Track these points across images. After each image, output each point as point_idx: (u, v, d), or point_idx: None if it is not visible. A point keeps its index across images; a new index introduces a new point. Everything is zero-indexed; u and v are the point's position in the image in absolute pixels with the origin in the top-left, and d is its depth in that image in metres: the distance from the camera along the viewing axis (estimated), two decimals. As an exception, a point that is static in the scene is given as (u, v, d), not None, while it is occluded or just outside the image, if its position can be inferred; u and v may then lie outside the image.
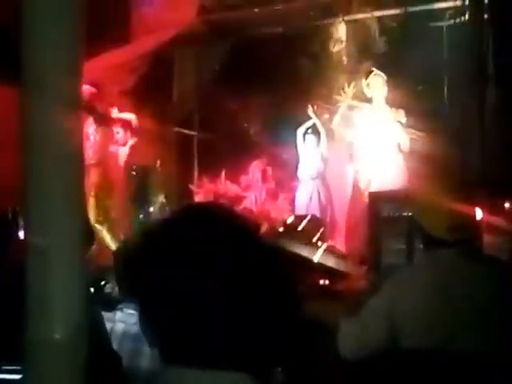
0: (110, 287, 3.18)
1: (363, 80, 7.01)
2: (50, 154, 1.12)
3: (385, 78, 6.92)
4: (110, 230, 6.94)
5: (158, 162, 8.24)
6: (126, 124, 7.57)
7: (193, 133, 9.04)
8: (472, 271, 2.18)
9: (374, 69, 6.99)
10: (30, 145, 1.12)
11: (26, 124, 1.13)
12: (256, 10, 7.78)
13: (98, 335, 1.99)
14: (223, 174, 8.45)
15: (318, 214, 6.30)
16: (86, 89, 6.96)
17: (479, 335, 2.07)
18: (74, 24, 1.17)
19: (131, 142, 7.54)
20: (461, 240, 2.18)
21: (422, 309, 2.12)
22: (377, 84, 6.93)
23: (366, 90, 6.99)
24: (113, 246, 6.50)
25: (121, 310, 2.49)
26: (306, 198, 7.30)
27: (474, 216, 2.23)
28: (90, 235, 2.63)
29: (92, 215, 6.14)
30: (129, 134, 7.57)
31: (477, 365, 1.83)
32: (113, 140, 7.58)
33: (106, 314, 2.40)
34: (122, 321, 2.45)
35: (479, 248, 2.33)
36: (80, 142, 1.19)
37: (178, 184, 8.62)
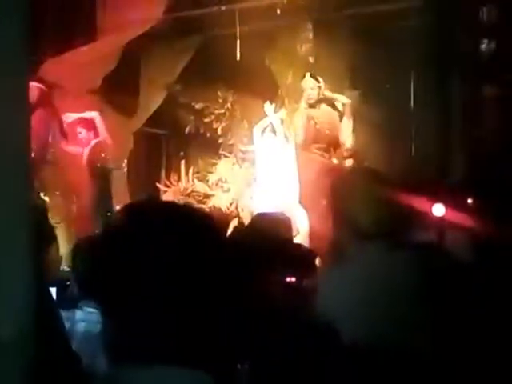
0: (71, 285, 3.16)
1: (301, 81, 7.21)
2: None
3: (318, 83, 7.09)
4: (67, 230, 6.90)
5: (125, 161, 8.21)
6: (88, 123, 7.49)
7: (160, 131, 9.01)
8: (399, 264, 2.21)
9: (308, 73, 7.17)
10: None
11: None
12: (223, 7, 7.77)
13: (55, 336, 1.97)
14: (191, 172, 8.45)
15: (281, 213, 6.33)
16: (40, 87, 6.90)
17: (406, 327, 2.10)
18: (20, 21, 1.15)
19: (94, 141, 7.47)
20: (390, 233, 2.22)
21: (348, 302, 2.15)
22: (310, 87, 7.12)
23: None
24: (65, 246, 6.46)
25: (81, 308, 2.47)
26: (268, 196, 7.32)
27: (405, 210, 2.27)
28: (49, 235, 2.61)
29: (51, 215, 6.07)
30: (92, 133, 7.50)
31: (407, 356, 1.87)
32: (74, 139, 7.50)
33: (65, 314, 2.38)
34: (83, 320, 2.44)
35: (411, 241, 2.37)
36: (27, 141, 1.17)
37: (145, 183, 8.60)
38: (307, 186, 7.08)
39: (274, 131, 7.53)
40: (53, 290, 2.88)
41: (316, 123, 7.12)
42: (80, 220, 7.13)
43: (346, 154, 7.26)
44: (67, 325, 2.38)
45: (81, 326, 2.49)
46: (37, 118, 6.78)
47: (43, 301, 2.18)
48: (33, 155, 6.60)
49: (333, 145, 7.17)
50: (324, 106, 7.46)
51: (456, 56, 6.54)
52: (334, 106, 7.44)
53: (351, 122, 7.24)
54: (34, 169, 6.79)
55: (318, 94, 7.17)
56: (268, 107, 7.48)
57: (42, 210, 2.79)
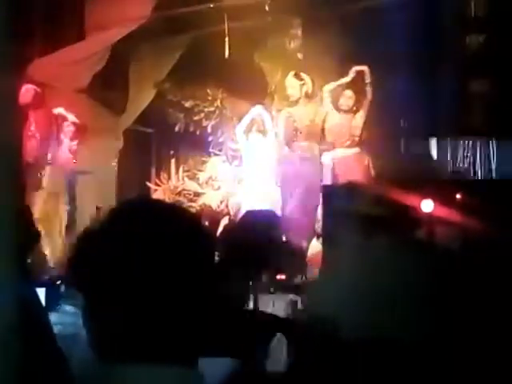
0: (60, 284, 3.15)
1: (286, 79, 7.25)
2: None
3: (301, 82, 7.12)
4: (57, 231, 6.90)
5: (116, 160, 8.20)
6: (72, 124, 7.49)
7: (150, 130, 8.99)
8: (402, 261, 2.22)
9: (291, 72, 7.20)
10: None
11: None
12: (212, 5, 7.75)
13: (42, 335, 1.97)
14: (181, 170, 8.44)
15: (273, 210, 6.35)
16: (33, 88, 6.90)
17: (407, 323, 2.11)
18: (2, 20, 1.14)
19: (74, 143, 7.48)
20: (392, 231, 2.22)
21: (352, 296, 2.16)
22: (291, 86, 7.16)
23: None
24: (47, 248, 6.45)
25: (67, 308, 2.46)
26: (259, 194, 7.33)
27: (409, 207, 2.28)
28: (33, 235, 2.60)
29: (37, 216, 6.07)
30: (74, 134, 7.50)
31: (404, 352, 1.87)
32: (59, 140, 7.50)
33: (53, 313, 2.37)
34: (69, 319, 2.42)
35: (414, 238, 2.38)
36: (15, 142, 1.17)
37: (135, 181, 8.59)
38: (285, 183, 7.15)
39: (259, 129, 7.56)
40: (40, 290, 2.87)
41: (295, 120, 7.17)
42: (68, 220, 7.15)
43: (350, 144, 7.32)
44: (53, 324, 2.38)
45: (67, 326, 2.48)
46: (39, 120, 6.82)
47: (29, 301, 2.18)
48: (35, 157, 6.70)
49: (312, 141, 7.21)
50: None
51: (448, 49, 6.57)
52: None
53: (364, 115, 7.25)
54: (36, 169, 6.85)
55: (301, 92, 7.21)
56: (256, 105, 7.50)
57: (26, 211, 2.78)
